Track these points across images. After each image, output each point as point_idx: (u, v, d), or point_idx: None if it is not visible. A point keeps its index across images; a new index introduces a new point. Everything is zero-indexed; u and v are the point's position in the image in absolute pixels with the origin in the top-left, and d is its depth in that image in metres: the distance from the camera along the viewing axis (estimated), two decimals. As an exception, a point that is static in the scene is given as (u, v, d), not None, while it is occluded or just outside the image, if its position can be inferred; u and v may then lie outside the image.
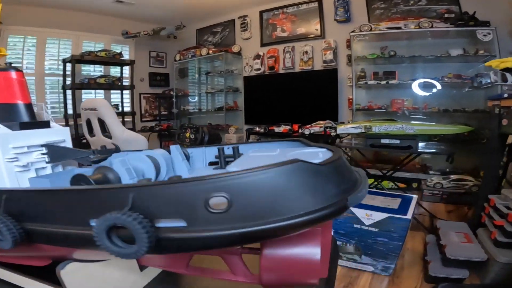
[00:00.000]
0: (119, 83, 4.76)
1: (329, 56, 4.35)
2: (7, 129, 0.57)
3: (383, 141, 2.54)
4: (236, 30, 5.61)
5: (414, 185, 3.18)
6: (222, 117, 5.32)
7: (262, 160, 0.50)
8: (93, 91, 4.99)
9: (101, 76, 4.61)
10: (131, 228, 0.33)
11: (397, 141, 2.49)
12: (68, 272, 0.48)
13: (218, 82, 5.79)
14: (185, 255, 0.44)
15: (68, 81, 4.55)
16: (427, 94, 3.47)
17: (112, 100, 5.24)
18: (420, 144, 2.51)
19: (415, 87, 3.57)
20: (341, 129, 2.74)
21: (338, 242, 1.98)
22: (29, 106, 0.62)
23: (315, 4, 4.69)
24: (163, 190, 0.36)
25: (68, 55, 4.73)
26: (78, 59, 4.31)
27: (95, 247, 0.35)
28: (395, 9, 3.92)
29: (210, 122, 5.56)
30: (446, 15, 3.36)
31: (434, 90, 3.47)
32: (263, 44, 5.26)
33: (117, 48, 5.28)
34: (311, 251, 0.40)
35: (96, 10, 4.90)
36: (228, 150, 0.71)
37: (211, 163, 0.78)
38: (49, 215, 0.39)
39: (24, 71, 4.43)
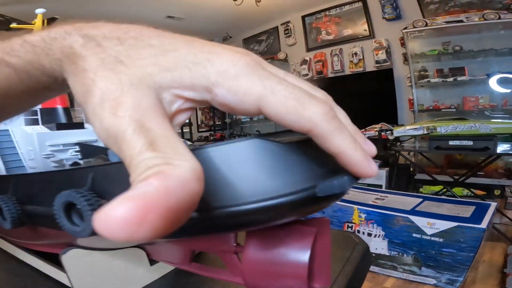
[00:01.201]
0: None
1: (382, 56, 4.19)
2: (45, 129, 0.66)
3: (451, 142, 2.36)
4: (280, 37, 5.70)
5: (497, 192, 2.83)
6: (272, 126, 5.42)
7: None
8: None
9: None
10: (79, 205, 0.30)
11: (470, 142, 2.30)
12: (70, 257, 0.47)
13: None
14: (186, 250, 0.42)
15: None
16: (508, 90, 3.11)
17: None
18: (505, 146, 2.25)
19: (493, 83, 3.26)
20: (398, 131, 2.61)
21: (393, 252, 1.88)
22: (66, 110, 0.71)
23: (359, 4, 4.57)
24: (119, 170, 0.28)
25: (132, 73, 5.26)
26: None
27: (57, 226, 0.34)
28: (452, 3, 3.65)
29: (258, 130, 5.69)
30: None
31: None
32: (308, 49, 5.26)
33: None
34: (299, 253, 0.33)
35: (151, 26, 5.37)
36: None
37: None
38: (39, 197, 0.39)
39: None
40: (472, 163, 3.16)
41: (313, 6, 5.08)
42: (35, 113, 0.67)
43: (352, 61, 4.62)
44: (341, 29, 4.81)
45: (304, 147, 0.28)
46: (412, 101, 3.94)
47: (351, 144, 0.21)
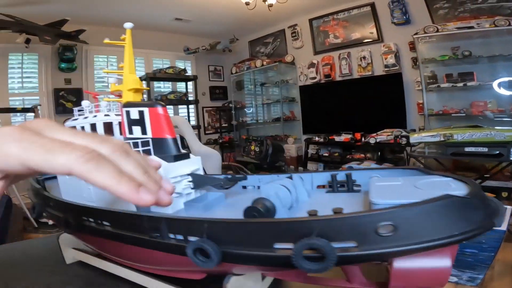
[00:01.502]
0: (186, 98, 5.16)
1: (391, 60, 4.27)
2: (164, 162, 0.71)
3: (467, 149, 2.45)
4: (287, 39, 5.75)
5: (504, 194, 2.95)
6: (279, 128, 5.45)
7: (396, 190, 0.57)
8: (162, 106, 5.47)
9: (170, 92, 5.05)
10: (324, 249, 0.42)
11: (485, 149, 2.38)
12: (232, 283, 0.59)
13: (272, 93, 5.96)
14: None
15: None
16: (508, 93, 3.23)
17: (180, 114, 5.70)
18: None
19: (496, 86, 3.37)
20: (415, 138, 2.68)
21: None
22: (174, 140, 0.76)
23: (368, 8, 4.64)
24: (340, 221, 0.46)
25: (141, 73, 5.26)
26: (151, 77, 4.78)
27: (287, 266, 0.45)
28: (461, 8, 3.73)
29: (268, 133, 5.73)
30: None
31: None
32: (316, 52, 5.32)
33: (180, 64, 5.73)
34: (442, 261, 0.50)
35: (159, 28, 5.37)
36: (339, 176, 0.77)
37: (319, 186, 0.82)
38: (240, 239, 0.49)
39: (109, 90, 5.15)
40: (478, 166, 3.27)
41: (320, 10, 5.13)
42: (147, 143, 0.71)
43: (360, 65, 4.68)
44: (349, 33, 4.87)
45: (478, 195, 0.50)
46: (420, 105, 4.03)
47: (114, 180, 0.26)
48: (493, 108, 3.40)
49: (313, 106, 5.11)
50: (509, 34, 3.14)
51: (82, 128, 0.81)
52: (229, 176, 0.78)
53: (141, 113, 0.71)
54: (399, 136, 3.17)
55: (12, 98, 4.25)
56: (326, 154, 4.84)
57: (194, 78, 5.22)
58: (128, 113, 0.73)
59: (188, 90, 5.41)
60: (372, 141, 3.70)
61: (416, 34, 3.66)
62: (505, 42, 3.27)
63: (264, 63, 5.53)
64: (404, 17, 4.11)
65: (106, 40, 0.88)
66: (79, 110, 0.85)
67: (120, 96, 0.87)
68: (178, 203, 0.71)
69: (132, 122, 0.73)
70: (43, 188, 0.90)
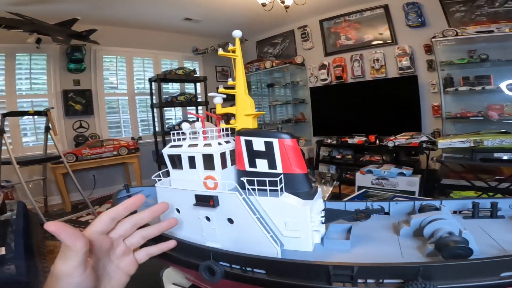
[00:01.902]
0: (195, 100, 5.09)
1: (406, 62, 4.28)
2: (300, 200, 0.67)
3: (496, 155, 2.48)
4: (297, 40, 5.71)
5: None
6: (290, 129, 5.44)
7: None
8: (172, 108, 5.40)
9: (180, 94, 4.96)
10: None
11: (514, 155, 2.42)
12: None
13: (279, 94, 5.93)
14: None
15: (153, 99, 4.98)
16: None
17: (189, 116, 5.62)
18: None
19: (506, 89, 3.43)
20: (444, 143, 2.69)
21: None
22: (307, 175, 0.71)
23: (381, 10, 4.64)
24: None
25: (150, 74, 5.16)
26: (162, 78, 4.69)
27: None
28: (478, 12, 3.77)
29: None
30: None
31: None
32: (327, 54, 5.30)
33: (187, 65, 5.65)
34: None
35: (168, 28, 5.28)
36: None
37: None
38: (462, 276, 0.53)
39: (118, 91, 5.05)
40: (493, 169, 3.32)
41: (331, 11, 5.11)
42: (276, 181, 0.65)
43: (373, 67, 4.69)
44: (362, 35, 4.86)
45: None
46: (436, 108, 4.07)
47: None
48: (510, 112, 3.45)
49: (324, 107, 5.10)
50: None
51: (190, 158, 0.75)
52: (363, 208, 0.75)
53: (268, 145, 0.67)
54: (426, 141, 3.17)
55: (20, 100, 4.11)
56: (339, 156, 4.85)
57: (204, 79, 5.15)
58: (249, 143, 0.68)
59: (196, 91, 5.34)
60: (390, 144, 3.71)
61: (434, 37, 3.67)
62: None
63: (274, 64, 5.49)
64: (419, 19, 4.13)
65: (221, 52, 0.82)
66: (178, 133, 0.79)
67: (219, 118, 0.82)
68: (315, 240, 0.67)
69: (255, 154, 0.68)
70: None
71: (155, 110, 4.91)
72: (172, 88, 5.49)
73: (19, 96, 4.11)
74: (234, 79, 0.85)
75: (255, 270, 0.58)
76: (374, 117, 4.56)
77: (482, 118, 3.51)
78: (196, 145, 0.75)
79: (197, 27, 5.41)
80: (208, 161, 0.73)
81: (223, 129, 0.82)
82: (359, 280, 0.49)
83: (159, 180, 0.82)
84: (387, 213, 0.81)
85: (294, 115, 5.44)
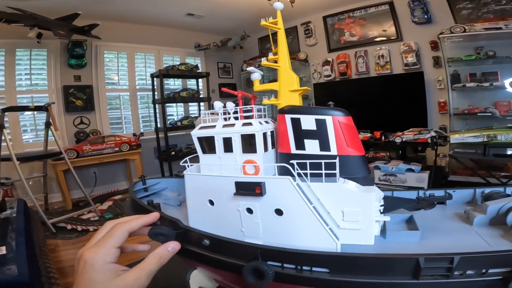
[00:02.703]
0: (198, 96, 5.01)
1: (411, 59, 4.25)
2: (359, 185, 0.59)
3: (510, 151, 2.45)
4: (300, 37, 5.66)
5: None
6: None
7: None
8: (174, 104, 5.31)
9: (183, 90, 4.88)
10: None
11: (528, 150, 2.39)
12: None
13: (263, 97, 5.87)
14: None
15: (154, 95, 4.89)
16: None
17: (190, 112, 5.54)
18: None
19: (509, 86, 3.42)
20: (456, 138, 2.66)
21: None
22: (363, 158, 0.63)
23: (386, 7, 4.60)
24: None
25: (152, 70, 5.08)
26: (164, 74, 4.61)
27: None
28: (485, 9, 3.74)
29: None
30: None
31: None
32: (331, 50, 5.26)
33: (190, 61, 5.57)
34: None
35: (170, 24, 5.20)
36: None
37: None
38: None
39: (119, 87, 4.96)
40: (500, 165, 3.30)
41: (334, 8, 5.06)
42: (331, 164, 0.57)
43: (378, 63, 4.65)
44: (366, 31, 4.82)
45: None
46: (442, 104, 4.05)
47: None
48: (518, 108, 3.43)
49: (328, 103, 5.03)
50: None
51: (226, 140, 0.67)
52: (425, 196, 0.69)
53: (320, 123, 0.60)
54: (436, 137, 3.14)
55: (20, 95, 4.01)
56: (343, 153, 4.80)
57: (206, 75, 5.07)
58: (296, 122, 0.61)
59: (198, 87, 5.27)
60: (398, 140, 3.67)
61: (441, 33, 3.64)
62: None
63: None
64: (425, 16, 4.09)
65: (263, 22, 0.74)
66: (211, 113, 0.72)
67: (255, 97, 0.76)
68: (374, 231, 0.59)
69: (303, 134, 0.61)
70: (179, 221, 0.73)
71: (156, 106, 4.83)
72: (174, 84, 5.42)
73: (19, 92, 4.01)
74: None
75: (314, 269, 0.52)
76: (379, 113, 4.51)
77: (490, 114, 3.48)
78: (232, 125, 0.67)
79: (200, 23, 5.33)
80: (248, 143, 0.65)
81: (258, 109, 0.75)
82: (456, 272, 0.43)
83: (188, 166, 0.74)
84: (442, 203, 0.75)
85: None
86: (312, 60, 5.44)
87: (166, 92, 4.79)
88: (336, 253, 0.50)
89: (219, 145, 0.69)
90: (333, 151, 0.62)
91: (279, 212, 0.60)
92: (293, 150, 0.64)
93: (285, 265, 0.53)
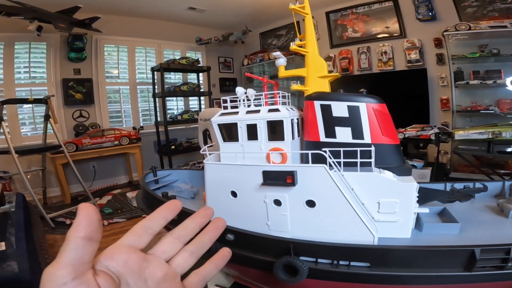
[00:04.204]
0: (198, 90, 4.96)
1: (414, 55, 4.23)
2: (396, 176, 0.56)
3: (513, 148, 2.45)
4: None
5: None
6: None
7: None
8: (174, 98, 5.26)
9: (183, 84, 4.83)
10: None
11: (532, 147, 2.39)
12: None
13: (282, 86, 5.83)
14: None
15: (155, 89, 4.84)
16: None
17: (190, 106, 5.49)
18: None
19: (509, 84, 3.43)
20: (461, 134, 2.66)
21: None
22: (399, 147, 0.60)
23: (390, 3, 4.57)
24: None
25: (152, 64, 5.01)
26: (165, 68, 4.55)
27: None
28: (490, 7, 3.73)
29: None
30: None
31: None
32: (333, 46, 5.22)
33: (191, 55, 5.51)
34: None
35: (171, 17, 5.14)
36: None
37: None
38: None
39: (120, 81, 4.89)
40: (502, 162, 3.32)
41: (338, 3, 5.01)
42: (367, 152, 0.54)
43: (381, 60, 4.63)
44: (370, 27, 4.79)
45: None
46: (444, 101, 4.05)
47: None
48: (520, 106, 3.44)
49: (331, 101, 5.01)
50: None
51: (250, 127, 0.64)
52: (460, 188, 0.67)
53: (353, 110, 0.56)
54: (439, 133, 3.13)
55: (19, 88, 3.93)
56: (345, 150, 4.80)
57: (207, 70, 5.02)
58: (327, 108, 0.58)
59: (199, 81, 5.23)
60: (400, 136, 3.66)
61: (446, 31, 3.63)
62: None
63: (279, 56, 5.37)
64: (430, 13, 4.08)
65: (292, 6, 0.72)
66: (231, 101, 0.68)
67: (277, 84, 0.72)
68: (410, 225, 0.55)
69: (335, 121, 0.58)
70: None
71: (157, 100, 4.77)
72: (174, 78, 5.36)
73: (17, 85, 3.93)
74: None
75: (352, 263, 0.49)
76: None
77: (492, 112, 3.49)
78: (257, 111, 0.64)
79: (201, 17, 5.27)
80: (274, 130, 0.62)
81: (281, 95, 0.71)
82: (510, 263, 0.41)
83: (209, 154, 0.70)
84: (471, 196, 0.73)
85: (299, 106, 5.36)
86: (314, 56, 5.40)
87: (166, 86, 4.74)
88: (380, 246, 0.47)
89: (242, 132, 0.65)
90: (367, 139, 0.59)
91: (311, 203, 0.57)
92: (322, 138, 0.61)
93: (319, 260, 0.50)
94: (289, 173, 0.54)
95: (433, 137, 3.45)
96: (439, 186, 0.71)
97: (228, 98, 0.70)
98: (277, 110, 0.61)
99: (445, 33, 3.65)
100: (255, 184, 0.60)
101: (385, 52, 4.55)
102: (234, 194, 0.65)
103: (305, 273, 0.48)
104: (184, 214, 0.67)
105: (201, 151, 0.73)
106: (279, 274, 0.49)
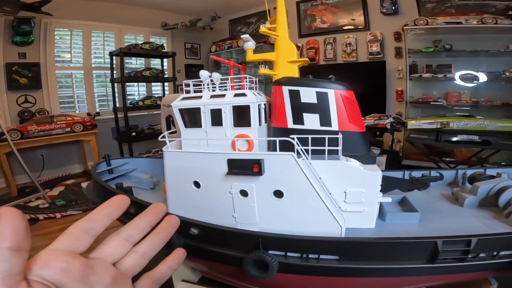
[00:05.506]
0: (162, 75, 4.72)
1: (376, 48, 4.40)
2: (361, 164, 0.56)
3: (460, 137, 2.67)
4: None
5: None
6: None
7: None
8: (135, 84, 4.94)
9: (146, 69, 4.55)
10: None
11: (476, 137, 2.63)
12: None
13: (250, 73, 5.76)
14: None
15: (113, 74, 4.50)
16: (469, 85, 3.58)
17: (153, 92, 5.20)
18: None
19: (458, 78, 3.73)
20: (413, 124, 2.84)
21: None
22: (364, 135, 0.60)
23: (358, -4, 4.68)
24: None
25: (111, 48, 4.64)
26: (125, 52, 4.23)
27: None
28: (449, 4, 3.96)
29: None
30: (510, 12, 3.44)
31: (476, 82, 3.60)
32: (301, 35, 5.25)
33: (155, 40, 5.20)
34: None
35: (135, 2, 4.80)
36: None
37: None
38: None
39: (72, 65, 4.45)
40: (448, 151, 3.63)
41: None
42: (334, 139, 0.51)
43: (345, 51, 4.75)
44: (337, 19, 4.87)
45: None
46: (399, 92, 4.29)
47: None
48: (467, 99, 3.76)
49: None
50: (493, 31, 3.42)
51: (214, 112, 0.58)
52: (418, 177, 0.68)
53: (321, 96, 0.54)
54: (394, 123, 3.32)
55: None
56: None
57: (172, 55, 4.78)
58: (295, 94, 0.55)
59: (163, 67, 4.96)
60: (361, 126, 3.82)
61: (406, 25, 3.80)
62: (486, 39, 3.55)
63: (247, 43, 5.28)
64: (393, 7, 4.23)
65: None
66: (195, 85, 0.62)
67: (245, 68, 0.68)
68: (375, 215, 0.55)
69: (303, 108, 0.55)
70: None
71: (115, 85, 4.45)
72: (136, 64, 5.02)
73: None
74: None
75: (322, 256, 0.47)
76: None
77: (441, 103, 3.77)
78: (222, 95, 0.59)
79: (167, 2, 4.96)
80: (240, 115, 0.58)
81: (249, 79, 0.67)
82: (470, 255, 0.42)
83: (169, 141, 0.64)
84: (428, 185, 0.76)
85: (266, 94, 5.36)
86: (282, 45, 5.38)
87: (126, 71, 4.43)
88: (348, 238, 0.46)
89: (205, 117, 0.60)
90: (334, 126, 0.57)
91: (278, 194, 0.54)
92: (290, 125, 0.58)
93: (288, 254, 0.48)
94: (256, 161, 0.51)
95: (388, 126, 3.66)
96: (398, 174, 0.73)
97: (191, 81, 0.63)
98: (243, 94, 0.57)
99: (404, 27, 3.83)
100: (220, 173, 0.55)
101: (350, 44, 4.68)
102: (197, 184, 0.60)
103: (275, 268, 0.46)
104: (141, 207, 0.61)
105: (159, 137, 0.67)
106: (249, 270, 0.47)
